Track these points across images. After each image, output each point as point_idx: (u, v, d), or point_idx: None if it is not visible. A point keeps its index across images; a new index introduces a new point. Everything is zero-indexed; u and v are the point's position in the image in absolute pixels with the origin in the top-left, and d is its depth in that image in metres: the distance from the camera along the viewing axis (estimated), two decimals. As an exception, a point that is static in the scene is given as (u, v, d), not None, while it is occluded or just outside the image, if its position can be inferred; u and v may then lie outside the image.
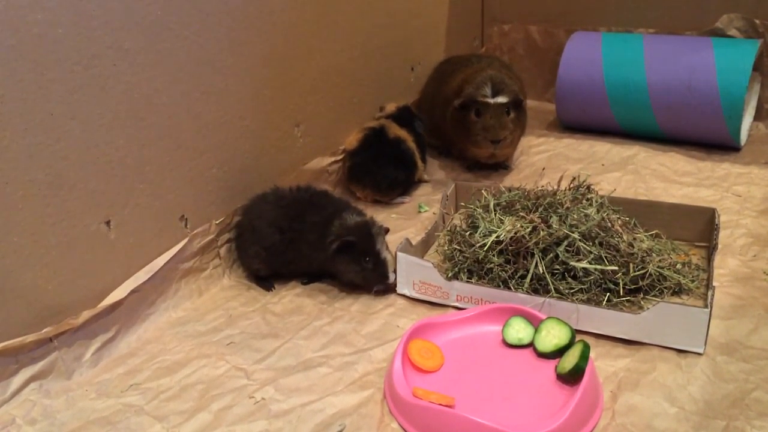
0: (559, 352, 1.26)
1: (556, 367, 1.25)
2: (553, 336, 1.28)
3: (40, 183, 1.25)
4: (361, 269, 1.48)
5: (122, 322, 1.42)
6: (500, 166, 2.15)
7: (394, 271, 1.49)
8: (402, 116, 2.06)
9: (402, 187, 1.98)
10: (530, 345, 1.31)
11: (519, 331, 1.32)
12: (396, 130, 1.97)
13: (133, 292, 1.43)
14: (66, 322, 1.31)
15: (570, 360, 1.21)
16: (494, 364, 1.28)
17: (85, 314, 1.34)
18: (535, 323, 1.32)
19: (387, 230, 1.56)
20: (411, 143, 1.98)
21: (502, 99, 1.94)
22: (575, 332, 1.29)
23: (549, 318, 1.31)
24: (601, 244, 1.44)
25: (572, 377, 1.19)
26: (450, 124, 2.08)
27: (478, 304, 1.43)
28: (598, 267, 1.40)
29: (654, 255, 1.47)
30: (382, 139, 1.94)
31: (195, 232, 1.58)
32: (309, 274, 1.61)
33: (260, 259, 1.58)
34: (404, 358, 1.25)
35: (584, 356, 1.19)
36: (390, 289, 1.52)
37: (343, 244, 1.47)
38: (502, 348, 1.33)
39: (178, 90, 1.49)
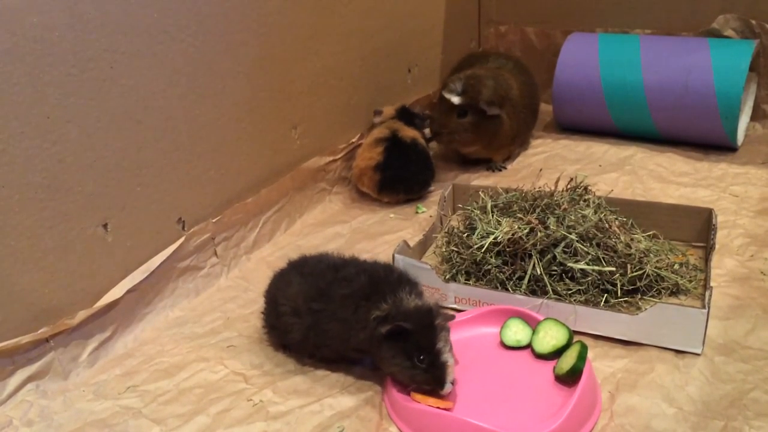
0: (557, 353, 1.26)
1: (554, 368, 1.25)
2: (550, 337, 1.28)
3: (36, 186, 1.24)
4: (410, 366, 1.16)
5: (119, 321, 1.42)
6: (494, 168, 2.16)
7: (453, 382, 1.17)
8: (402, 117, 2.08)
9: (430, 182, 2.04)
10: (528, 346, 1.31)
11: (517, 332, 1.32)
12: (407, 131, 2.00)
13: (129, 291, 1.43)
14: (62, 323, 1.31)
15: (568, 361, 1.21)
16: (492, 366, 1.28)
17: (81, 314, 1.34)
18: (533, 324, 1.32)
19: (452, 318, 1.24)
20: (421, 139, 2.03)
21: (456, 99, 1.99)
22: (573, 333, 1.29)
23: (546, 319, 1.31)
24: (598, 245, 1.44)
25: (570, 378, 1.19)
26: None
27: (476, 305, 1.43)
28: (596, 268, 1.40)
29: (651, 256, 1.47)
30: (401, 144, 1.96)
31: (192, 230, 1.57)
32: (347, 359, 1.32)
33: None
34: None
35: (582, 357, 1.19)
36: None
37: (395, 329, 1.15)
38: (500, 350, 1.32)
39: (174, 92, 1.49)
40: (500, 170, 2.16)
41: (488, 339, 1.35)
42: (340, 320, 1.23)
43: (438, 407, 1.14)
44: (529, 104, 2.20)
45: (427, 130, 2.09)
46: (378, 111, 2.12)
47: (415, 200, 2.00)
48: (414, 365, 1.15)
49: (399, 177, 1.95)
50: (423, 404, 1.15)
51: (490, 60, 2.24)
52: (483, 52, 2.37)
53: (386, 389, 1.22)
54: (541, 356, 1.28)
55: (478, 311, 1.38)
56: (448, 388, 1.15)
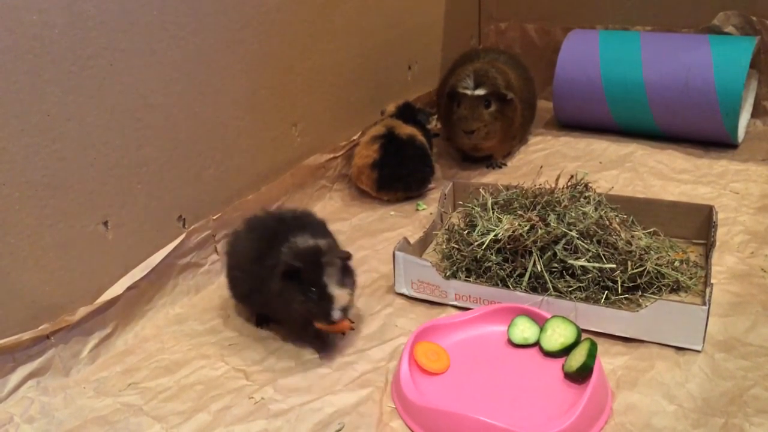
0: (566, 351, 1.26)
1: (563, 366, 1.24)
2: (558, 335, 1.28)
3: (37, 184, 1.25)
4: (305, 300, 1.28)
5: (119, 318, 1.42)
6: (495, 165, 2.16)
7: (344, 309, 1.28)
8: (404, 113, 2.08)
9: (429, 179, 2.02)
10: (536, 344, 1.31)
11: (524, 330, 1.32)
12: (404, 128, 1.99)
13: (130, 288, 1.43)
14: (63, 319, 1.31)
15: (577, 358, 1.21)
16: (501, 364, 1.28)
17: (82, 311, 1.34)
18: (540, 322, 1.32)
19: (347, 257, 1.34)
20: (421, 137, 2.02)
21: (479, 91, 1.98)
22: (581, 331, 1.29)
23: (554, 317, 1.31)
24: (599, 242, 1.44)
25: (580, 376, 1.19)
26: (442, 114, 2.18)
27: (477, 302, 1.43)
28: (596, 265, 1.40)
29: (652, 253, 1.47)
30: (397, 141, 1.95)
31: (192, 227, 1.58)
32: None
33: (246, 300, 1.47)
34: (411, 361, 1.24)
35: (591, 354, 1.19)
36: (327, 339, 1.35)
37: (287, 269, 1.28)
38: (508, 348, 1.32)
39: (174, 90, 1.49)
40: (500, 167, 2.16)
41: (496, 337, 1.35)
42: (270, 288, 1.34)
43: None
44: (525, 98, 2.20)
45: (431, 125, 2.09)
46: (383, 111, 2.12)
47: (414, 198, 2.00)
48: (308, 299, 1.27)
49: (396, 175, 1.94)
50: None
51: (481, 56, 2.24)
52: (476, 51, 2.36)
53: (396, 390, 1.22)
54: (549, 354, 1.28)
55: (484, 310, 1.38)
56: (336, 316, 1.26)
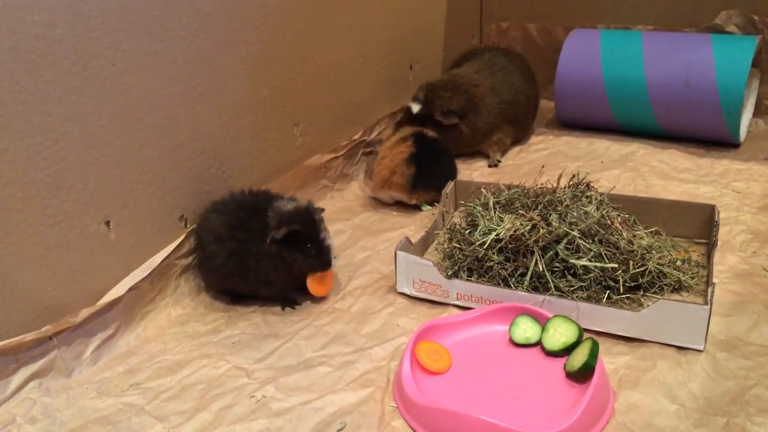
0: (567, 350, 1.26)
1: (564, 365, 1.24)
2: (560, 334, 1.28)
3: (39, 184, 1.25)
4: (304, 257, 1.42)
5: (121, 319, 1.42)
6: (491, 164, 2.17)
7: (334, 256, 1.47)
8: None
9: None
10: (538, 344, 1.31)
11: (526, 330, 1.32)
12: (430, 132, 1.97)
13: (131, 289, 1.43)
14: (65, 320, 1.31)
15: (579, 358, 1.21)
16: (502, 363, 1.28)
17: (84, 312, 1.34)
18: (542, 322, 1.32)
19: (322, 210, 1.51)
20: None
21: (416, 108, 2.09)
22: (583, 330, 1.29)
23: (556, 316, 1.31)
24: (600, 241, 1.44)
25: (581, 375, 1.19)
26: None
27: (478, 302, 1.43)
28: (598, 264, 1.40)
29: (654, 252, 1.47)
30: (428, 139, 1.93)
31: (194, 227, 1.58)
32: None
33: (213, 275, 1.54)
34: (412, 361, 1.24)
35: (593, 354, 1.19)
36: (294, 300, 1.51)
37: (288, 233, 1.39)
38: (510, 347, 1.32)
39: (176, 90, 1.49)
40: (495, 165, 2.16)
41: (497, 337, 1.35)
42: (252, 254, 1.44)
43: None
44: (512, 101, 2.20)
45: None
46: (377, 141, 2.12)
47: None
48: (307, 256, 1.42)
49: (434, 171, 1.87)
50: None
51: (485, 56, 2.26)
52: (481, 48, 2.37)
53: (398, 389, 1.22)
54: (551, 353, 1.28)
55: (486, 309, 1.38)
56: (333, 262, 1.46)
